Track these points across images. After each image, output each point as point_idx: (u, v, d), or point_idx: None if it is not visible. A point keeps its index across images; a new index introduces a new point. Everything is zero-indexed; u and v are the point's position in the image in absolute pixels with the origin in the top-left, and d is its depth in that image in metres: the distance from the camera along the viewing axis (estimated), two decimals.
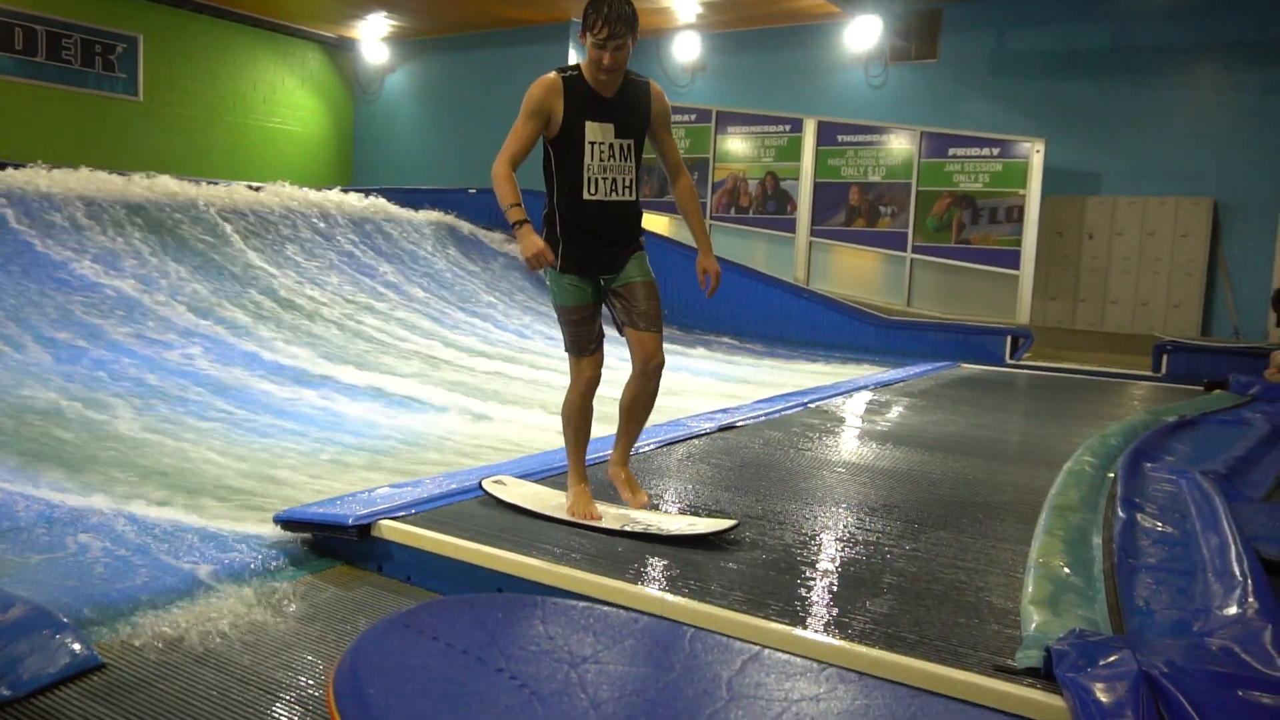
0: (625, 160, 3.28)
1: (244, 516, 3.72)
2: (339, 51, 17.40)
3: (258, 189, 11.15)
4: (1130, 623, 2.60)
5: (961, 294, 11.66)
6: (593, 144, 3.21)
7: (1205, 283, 11.75)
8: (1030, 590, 2.75)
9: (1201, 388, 8.28)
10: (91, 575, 2.95)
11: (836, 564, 3.08)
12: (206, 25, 15.36)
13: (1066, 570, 2.94)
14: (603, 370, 3.50)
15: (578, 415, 3.50)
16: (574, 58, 15.17)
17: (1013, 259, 11.23)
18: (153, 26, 14.70)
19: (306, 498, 4.00)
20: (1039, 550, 3.12)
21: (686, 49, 14.94)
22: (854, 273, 12.42)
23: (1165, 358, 9.49)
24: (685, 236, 12.03)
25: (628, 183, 3.31)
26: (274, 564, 3.17)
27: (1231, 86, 11.66)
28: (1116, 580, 2.94)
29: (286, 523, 3.36)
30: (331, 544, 3.32)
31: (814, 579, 2.91)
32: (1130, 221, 12.08)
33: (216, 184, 10.91)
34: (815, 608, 2.66)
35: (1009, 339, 10.25)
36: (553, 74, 3.22)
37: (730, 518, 3.42)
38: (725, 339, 11.48)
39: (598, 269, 3.34)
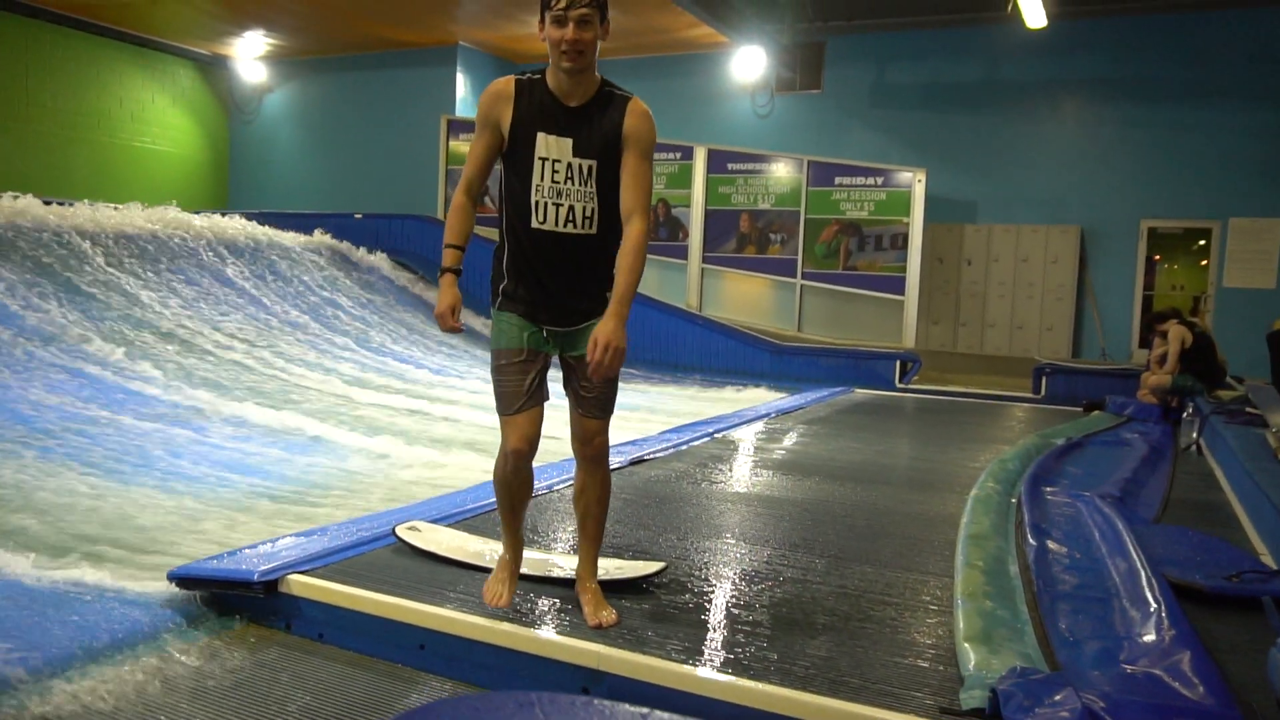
0: (585, 185, 2.69)
1: (134, 574, 3.44)
2: (213, 69, 16.69)
3: (115, 209, 10.49)
4: (1061, 655, 2.64)
5: (850, 319, 11.95)
6: (543, 160, 2.68)
7: (1075, 306, 12.40)
8: (962, 626, 2.76)
9: (1080, 409, 8.67)
10: None
11: (768, 604, 3.04)
12: (64, 37, 14.45)
13: (991, 603, 2.97)
14: (538, 439, 2.82)
15: (502, 487, 2.86)
16: (460, 83, 14.97)
17: (898, 285, 11.58)
18: (3, 37, 13.77)
19: (203, 550, 3.73)
20: (963, 583, 3.16)
21: None
22: (745, 299, 12.58)
23: (1044, 379, 9.92)
24: None
25: (588, 213, 2.71)
26: (171, 626, 2.92)
27: (1092, 120, 12.39)
28: (1040, 611, 2.99)
29: (183, 580, 3.11)
30: (233, 601, 3.09)
31: (749, 622, 2.86)
32: (1005, 248, 12.66)
33: (55, 203, 10.24)
34: (756, 654, 2.60)
35: (898, 363, 10.55)
36: (507, 77, 2.75)
37: (656, 559, 3.35)
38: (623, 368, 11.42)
39: (545, 316, 2.79)
